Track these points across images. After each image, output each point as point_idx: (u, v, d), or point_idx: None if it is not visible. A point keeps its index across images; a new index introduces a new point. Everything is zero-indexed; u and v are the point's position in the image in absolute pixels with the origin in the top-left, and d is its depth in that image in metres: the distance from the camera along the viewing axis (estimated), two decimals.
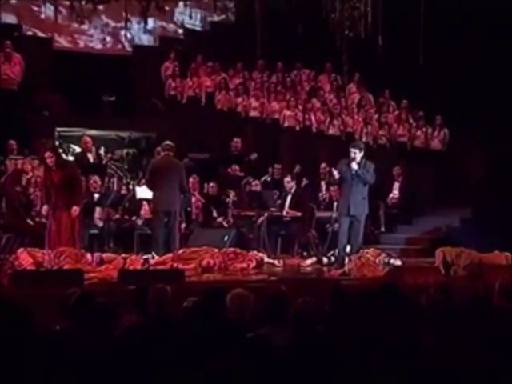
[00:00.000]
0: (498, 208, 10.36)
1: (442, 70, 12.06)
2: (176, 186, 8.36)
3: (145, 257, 8.06)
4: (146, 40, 13.16)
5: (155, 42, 13.25)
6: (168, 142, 8.65)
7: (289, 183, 9.91)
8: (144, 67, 12.73)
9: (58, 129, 11.54)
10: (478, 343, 3.79)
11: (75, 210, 7.71)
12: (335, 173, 8.24)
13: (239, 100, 12.35)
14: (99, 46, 12.96)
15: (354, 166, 8.08)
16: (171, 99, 12.35)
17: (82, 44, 12.93)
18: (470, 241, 8.59)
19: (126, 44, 12.97)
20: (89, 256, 7.79)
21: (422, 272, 7.10)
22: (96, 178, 9.77)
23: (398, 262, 8.24)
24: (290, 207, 9.75)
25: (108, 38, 13.02)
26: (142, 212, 9.68)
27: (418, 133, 12.21)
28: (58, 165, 7.83)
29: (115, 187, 10.34)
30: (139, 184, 9.86)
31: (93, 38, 12.95)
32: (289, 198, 9.84)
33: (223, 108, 12.33)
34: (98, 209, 9.45)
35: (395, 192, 11.18)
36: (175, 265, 7.70)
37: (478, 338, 3.86)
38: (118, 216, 9.69)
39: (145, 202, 9.60)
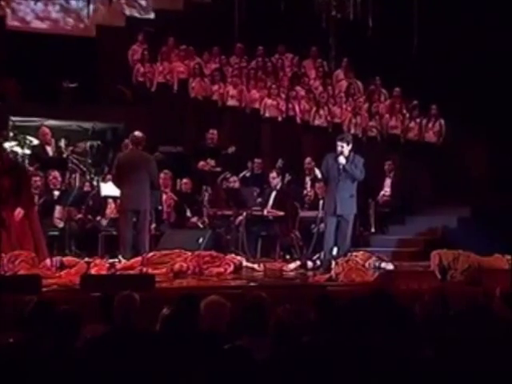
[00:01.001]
0: (499, 207, 10.44)
1: (438, 55, 12.13)
2: (146, 183, 8.34)
3: (110, 261, 8.02)
4: (111, 20, 13.07)
5: (122, 22, 13.17)
6: (137, 134, 8.61)
7: (274, 179, 9.92)
8: (109, 50, 12.64)
9: (13, 118, 11.41)
10: (477, 355, 3.82)
11: (19, 212, 7.64)
12: (317, 172, 8.28)
13: (215, 87, 12.34)
14: (59, 26, 12.83)
15: (342, 160, 8.11)
16: (140, 86, 12.29)
17: (39, 24, 12.79)
18: (468, 243, 8.66)
19: (90, 24, 12.86)
20: (48, 260, 7.73)
21: (416, 277, 7.14)
22: (56, 173, 9.69)
23: (390, 266, 8.27)
24: (274, 206, 9.75)
25: (69, 18, 12.91)
26: (108, 211, 9.64)
27: (412, 124, 12.28)
28: (6, 169, 7.76)
29: (77, 184, 10.28)
30: (104, 180, 9.81)
31: (52, 16, 12.83)
32: (273, 195, 9.84)
33: (198, 96, 12.30)
34: (57, 208, 9.38)
35: (387, 189, 11.24)
36: (144, 269, 7.67)
37: (478, 349, 3.89)
38: (80, 216, 9.63)
39: (110, 200, 9.56)
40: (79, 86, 11.84)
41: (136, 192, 8.28)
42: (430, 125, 12.21)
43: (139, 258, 8.00)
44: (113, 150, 10.74)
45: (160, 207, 9.78)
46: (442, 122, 12.12)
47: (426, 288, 5.92)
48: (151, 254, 8.11)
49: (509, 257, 7.93)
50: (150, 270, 7.61)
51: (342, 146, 8.16)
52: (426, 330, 4.04)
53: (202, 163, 10.93)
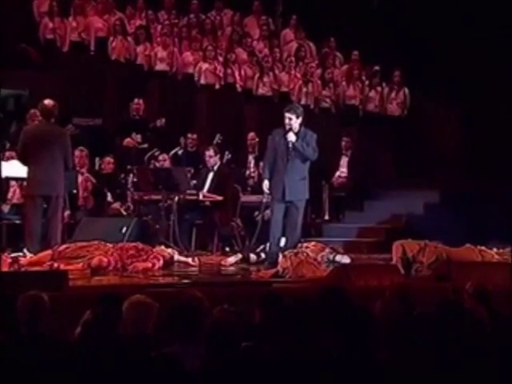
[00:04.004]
0: (471, 191, 10.66)
1: (401, 13, 12.25)
2: (59, 162, 8.25)
3: (13, 255, 7.92)
4: None
5: None
6: (47, 103, 8.48)
7: (211, 158, 9.90)
8: (10, 1, 12.37)
9: None
10: (446, 359, 3.91)
11: None
12: (265, 188, 8.30)
13: (141, 48, 12.24)
14: None
15: (291, 137, 8.13)
16: (48, 45, 12.09)
17: None
18: (436, 232, 8.82)
19: None
20: None
21: (376, 272, 7.26)
22: None
23: (346, 260, 8.39)
24: (211, 189, 9.76)
25: None
26: (10, 195, 9.50)
27: (372, 93, 12.42)
28: None
29: None
30: (5, 158, 9.64)
31: None
32: (210, 176, 9.84)
33: (119, 58, 12.19)
34: None
35: (343, 169, 11.36)
36: (55, 265, 7.62)
37: (446, 353, 3.98)
38: None
39: (14, 183, 9.43)
40: None
41: (47, 173, 8.18)
42: (393, 94, 12.36)
43: (49, 252, 7.93)
44: (16, 122, 10.57)
45: (75, 191, 9.69)
46: (407, 91, 12.29)
47: (387, 284, 6.02)
48: (64, 246, 8.04)
49: (481, 247, 8.13)
50: (63, 266, 7.55)
51: (291, 119, 8.18)
52: (387, 333, 4.11)
53: (127, 140, 10.83)
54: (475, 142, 11.49)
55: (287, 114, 8.20)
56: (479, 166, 11.03)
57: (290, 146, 8.15)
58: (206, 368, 3.59)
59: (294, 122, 8.19)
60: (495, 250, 8.25)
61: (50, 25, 12.08)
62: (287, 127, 8.18)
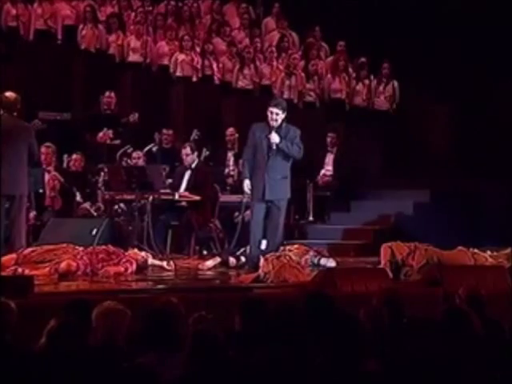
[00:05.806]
0: (463, 190, 10.72)
1: (390, 1, 12.29)
2: (22, 159, 8.21)
3: None
4: None
5: None
6: (9, 95, 8.44)
7: (188, 156, 9.88)
8: None
9: None
10: (436, 371, 3.93)
11: None
12: (246, 189, 8.26)
13: (112, 38, 12.21)
14: None
15: (275, 139, 8.04)
16: (11, 34, 12.02)
17: None
18: (426, 233, 8.87)
19: None
20: None
21: (363, 276, 7.28)
22: None
23: (331, 263, 8.41)
24: (188, 189, 9.76)
25: None
26: None
27: (359, 86, 12.46)
28: None
29: None
30: None
31: None
32: (187, 175, 9.83)
33: (89, 48, 12.16)
34: None
35: (328, 168, 11.39)
36: (20, 269, 7.59)
37: (437, 364, 4.00)
38: None
39: None
40: None
41: (9, 171, 8.13)
42: (381, 88, 12.41)
43: (13, 256, 7.88)
44: None
45: (41, 190, 9.66)
46: (396, 84, 12.34)
47: (375, 289, 6.05)
48: (29, 249, 8.01)
49: (474, 250, 8.18)
50: (28, 271, 7.53)
51: (278, 114, 8.08)
52: (374, 341, 4.13)
53: (100, 134, 10.81)
54: (466, 139, 11.56)
55: (274, 109, 8.06)
56: (470, 164, 11.09)
57: (274, 147, 8.10)
58: (183, 379, 3.59)
59: (280, 117, 8.12)
60: (489, 252, 8.30)
61: (13, 11, 11.98)
62: (272, 123, 8.10)
